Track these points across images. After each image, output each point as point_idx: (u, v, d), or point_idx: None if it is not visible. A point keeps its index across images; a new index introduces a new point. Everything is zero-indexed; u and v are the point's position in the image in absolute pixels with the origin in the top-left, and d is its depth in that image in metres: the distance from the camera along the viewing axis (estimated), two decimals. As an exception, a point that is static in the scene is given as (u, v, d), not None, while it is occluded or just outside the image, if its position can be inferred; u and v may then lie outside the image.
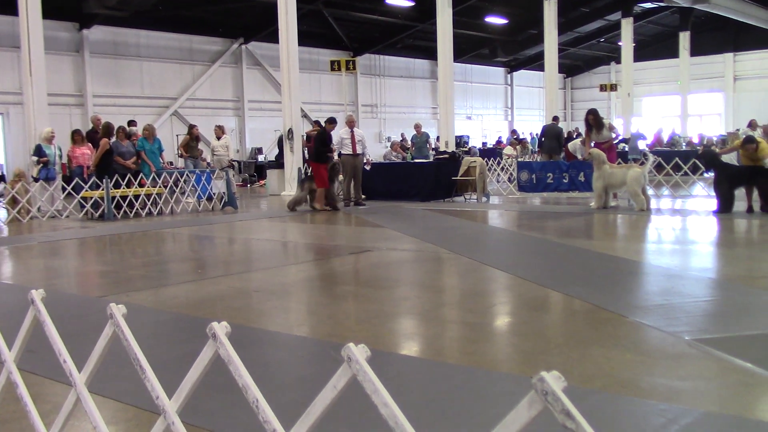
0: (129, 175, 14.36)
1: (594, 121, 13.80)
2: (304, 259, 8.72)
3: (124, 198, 13.78)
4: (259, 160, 26.61)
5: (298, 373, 4.04)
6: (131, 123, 18.47)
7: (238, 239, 10.88)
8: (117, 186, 13.78)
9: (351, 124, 14.94)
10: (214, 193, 15.28)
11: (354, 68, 20.45)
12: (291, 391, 3.59)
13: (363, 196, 14.97)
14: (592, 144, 13.68)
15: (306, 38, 22.76)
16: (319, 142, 14.07)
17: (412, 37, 31.54)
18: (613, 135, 14.53)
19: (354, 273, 7.49)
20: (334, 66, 20.28)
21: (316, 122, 21.55)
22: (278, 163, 20.91)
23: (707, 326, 4.73)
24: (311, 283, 6.93)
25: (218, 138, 17.83)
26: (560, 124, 21.15)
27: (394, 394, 1.40)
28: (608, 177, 12.27)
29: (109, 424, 2.27)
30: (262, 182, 23.81)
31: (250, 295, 6.36)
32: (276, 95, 25.35)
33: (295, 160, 18.33)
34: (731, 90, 35.28)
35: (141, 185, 14.51)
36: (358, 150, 14.65)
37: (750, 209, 11.06)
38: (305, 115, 26.34)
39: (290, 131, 18.22)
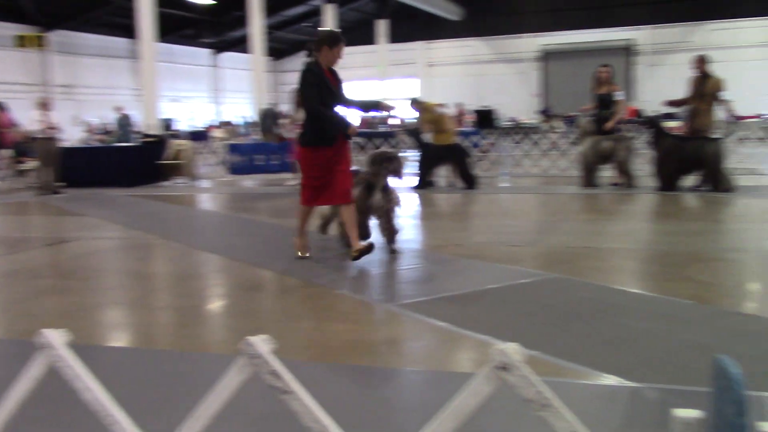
0: None
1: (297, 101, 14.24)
2: (-7, 254, 7.86)
3: None
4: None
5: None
6: None
7: None
8: None
9: (44, 106, 13.71)
10: None
11: (44, 45, 18.71)
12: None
13: (62, 183, 13.85)
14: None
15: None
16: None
17: (110, 14, 29.68)
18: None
19: (53, 265, 6.91)
20: (21, 42, 18.41)
21: None
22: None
23: (408, 292, 5.11)
24: (0, 280, 6.27)
25: None
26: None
27: (102, 386, 1.31)
28: None
29: None
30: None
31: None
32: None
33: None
34: (425, 75, 38.41)
35: None
36: (53, 134, 13.50)
37: (450, 185, 12.22)
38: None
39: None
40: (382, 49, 34.38)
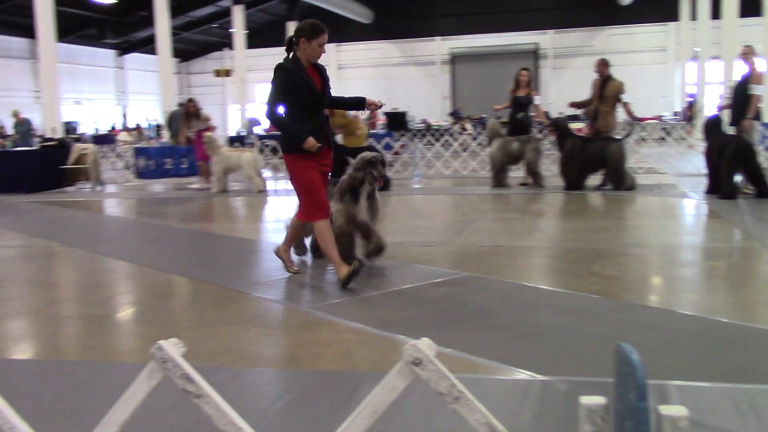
0: None
1: (194, 109, 14.07)
2: None
3: None
4: None
5: None
6: None
7: None
8: None
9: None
10: None
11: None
12: None
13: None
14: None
15: None
16: None
17: (7, 12, 28.43)
18: (210, 124, 14.75)
19: (-52, 276, 6.57)
20: None
21: None
22: None
23: (323, 295, 5.09)
24: None
25: None
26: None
27: (4, 399, 1.26)
28: (225, 160, 12.58)
29: None
30: None
31: None
32: None
33: None
34: (335, 78, 38.41)
35: None
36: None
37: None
38: None
39: None
40: (293, 51, 34.08)
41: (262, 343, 4.03)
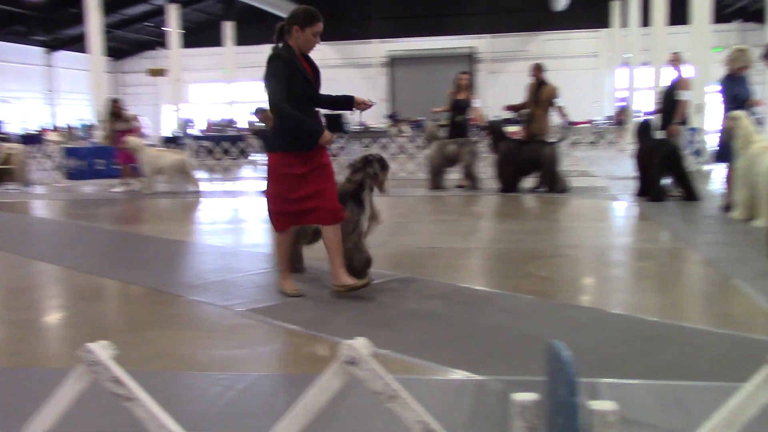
0: None
1: (116, 109, 13.87)
2: None
3: None
4: None
5: None
6: None
7: None
8: None
9: None
10: None
11: None
12: None
13: None
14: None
15: None
16: None
17: (-72, 7, 27.36)
18: (138, 124, 14.54)
19: None
20: None
21: None
22: None
23: (258, 296, 5.03)
24: None
25: None
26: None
27: None
28: (154, 161, 12.35)
29: None
30: None
31: None
32: None
33: None
34: (270, 79, 38.17)
35: None
36: None
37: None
38: None
39: None
40: (229, 51, 33.80)
41: (196, 346, 3.96)
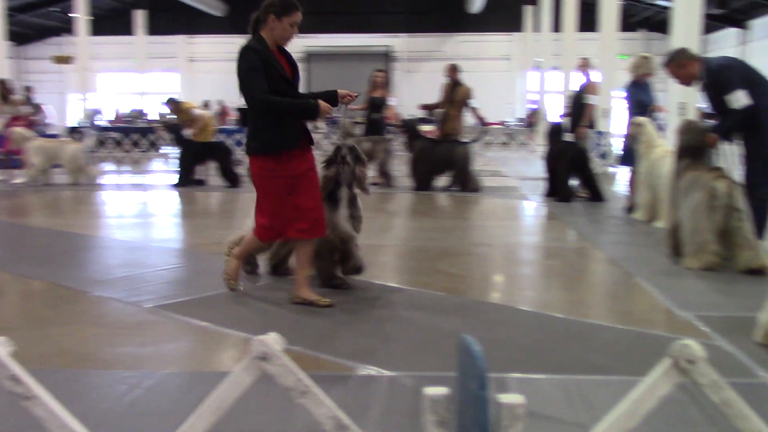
0: None
1: (4, 91, 13.27)
2: None
3: None
4: None
5: None
6: None
7: None
8: None
9: None
10: None
11: None
12: None
13: None
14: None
15: None
16: None
17: None
18: (21, 110, 13.81)
19: None
20: None
21: None
22: None
23: (167, 293, 4.91)
24: None
25: None
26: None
27: None
28: (43, 152, 11.87)
29: None
30: None
31: None
32: None
33: None
34: (186, 70, 37.23)
35: None
36: None
37: (201, 182, 11.92)
38: None
39: None
40: (140, 40, 32.86)
41: (100, 343, 3.83)
